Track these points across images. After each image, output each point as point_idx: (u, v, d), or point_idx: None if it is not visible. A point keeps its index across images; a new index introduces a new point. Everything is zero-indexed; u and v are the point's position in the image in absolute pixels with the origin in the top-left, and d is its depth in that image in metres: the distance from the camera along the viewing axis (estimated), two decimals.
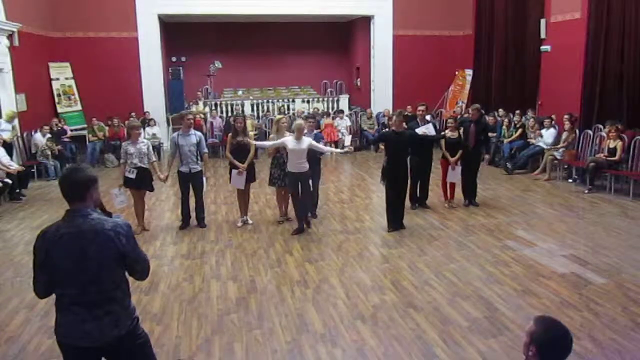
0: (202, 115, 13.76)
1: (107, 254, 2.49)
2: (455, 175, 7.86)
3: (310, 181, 6.94)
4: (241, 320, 4.50)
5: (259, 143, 7.51)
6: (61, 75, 13.24)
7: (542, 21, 12.12)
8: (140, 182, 6.82)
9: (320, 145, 7.02)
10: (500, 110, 12.35)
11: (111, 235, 2.49)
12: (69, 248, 2.46)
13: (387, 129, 7.03)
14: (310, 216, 7.24)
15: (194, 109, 14.34)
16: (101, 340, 2.53)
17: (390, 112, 13.21)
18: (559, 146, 9.97)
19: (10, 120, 10.17)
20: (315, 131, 7.86)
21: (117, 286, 2.58)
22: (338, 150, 8.98)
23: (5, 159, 9.05)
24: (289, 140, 6.68)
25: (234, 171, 7.08)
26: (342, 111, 14.75)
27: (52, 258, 2.47)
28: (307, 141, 6.71)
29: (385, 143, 6.96)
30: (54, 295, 2.59)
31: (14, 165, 9.24)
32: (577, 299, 4.78)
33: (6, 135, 9.71)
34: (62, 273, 2.48)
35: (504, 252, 6.05)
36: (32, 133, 11.08)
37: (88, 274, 2.48)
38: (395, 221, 6.92)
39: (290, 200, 7.39)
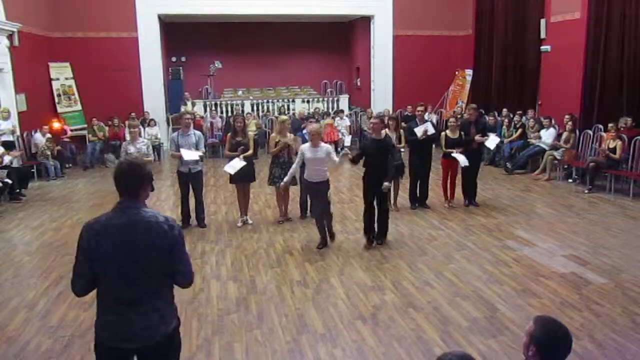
0: (193, 115, 13.68)
1: (159, 245, 2.42)
2: (461, 157, 7.56)
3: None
4: (241, 320, 4.50)
5: (288, 178, 6.47)
6: (61, 75, 13.23)
7: (542, 21, 12.11)
8: None
9: (334, 158, 6.30)
10: (505, 110, 12.32)
11: (165, 228, 2.44)
12: (120, 238, 2.39)
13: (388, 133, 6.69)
14: (307, 215, 7.22)
15: (182, 109, 14.26)
16: (152, 338, 2.46)
17: (390, 112, 13.20)
18: (559, 144, 9.95)
19: (6, 117, 10.12)
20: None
21: (163, 281, 2.50)
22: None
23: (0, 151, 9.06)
24: (305, 148, 6.19)
25: (236, 159, 6.94)
26: (342, 111, 14.74)
27: (100, 249, 2.39)
28: (325, 148, 6.16)
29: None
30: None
31: (7, 158, 9.20)
32: (577, 299, 4.78)
33: (7, 133, 9.71)
34: (109, 265, 2.40)
35: (504, 252, 6.05)
36: (32, 133, 11.08)
37: (137, 266, 2.40)
38: (369, 230, 6.29)
39: (288, 200, 7.39)
